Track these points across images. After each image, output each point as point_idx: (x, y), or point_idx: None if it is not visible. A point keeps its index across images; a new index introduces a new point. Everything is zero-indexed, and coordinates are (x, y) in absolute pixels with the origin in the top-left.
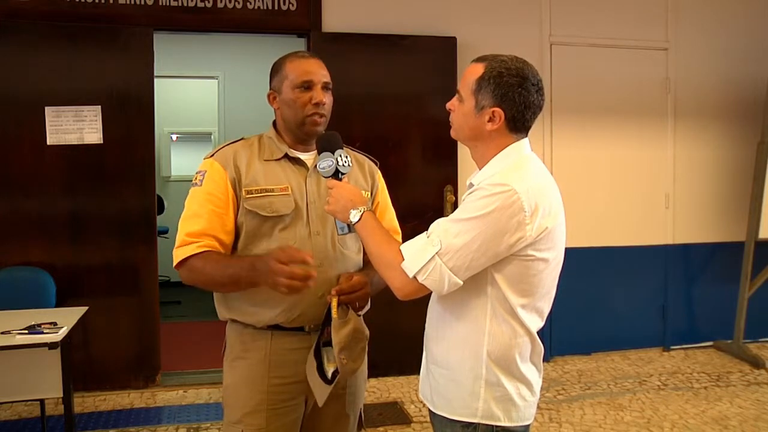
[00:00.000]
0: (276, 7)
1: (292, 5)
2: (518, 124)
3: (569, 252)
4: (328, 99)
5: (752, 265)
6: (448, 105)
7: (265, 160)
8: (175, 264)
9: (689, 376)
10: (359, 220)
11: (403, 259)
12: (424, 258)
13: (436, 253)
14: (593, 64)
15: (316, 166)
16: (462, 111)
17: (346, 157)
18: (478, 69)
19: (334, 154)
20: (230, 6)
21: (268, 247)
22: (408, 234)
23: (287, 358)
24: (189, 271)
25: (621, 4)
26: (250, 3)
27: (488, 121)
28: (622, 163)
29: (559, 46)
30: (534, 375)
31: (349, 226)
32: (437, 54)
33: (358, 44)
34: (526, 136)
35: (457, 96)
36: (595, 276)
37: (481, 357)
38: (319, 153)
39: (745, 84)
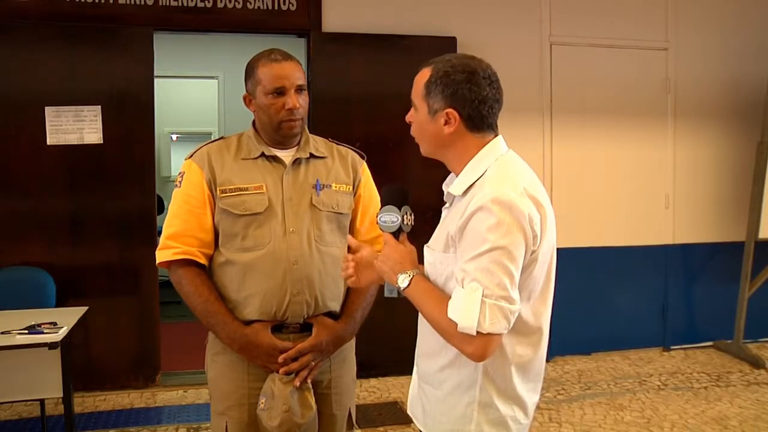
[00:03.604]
0: (276, 7)
1: (292, 5)
2: (477, 121)
3: (570, 252)
4: (303, 101)
5: (752, 265)
6: (407, 117)
7: (242, 159)
8: (156, 264)
9: (689, 376)
10: (408, 285)
11: (457, 324)
12: (475, 308)
13: (483, 295)
14: (593, 64)
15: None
16: (418, 120)
17: (411, 215)
18: (426, 73)
19: (400, 211)
20: (230, 6)
21: (242, 245)
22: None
23: None
24: (172, 279)
25: (621, 4)
26: (250, 3)
27: (445, 125)
28: (622, 163)
29: (559, 46)
30: (530, 395)
31: (398, 290)
32: (437, 54)
33: (358, 44)
34: (496, 133)
35: (413, 107)
36: (595, 276)
37: (477, 377)
38: (383, 204)
39: (745, 84)
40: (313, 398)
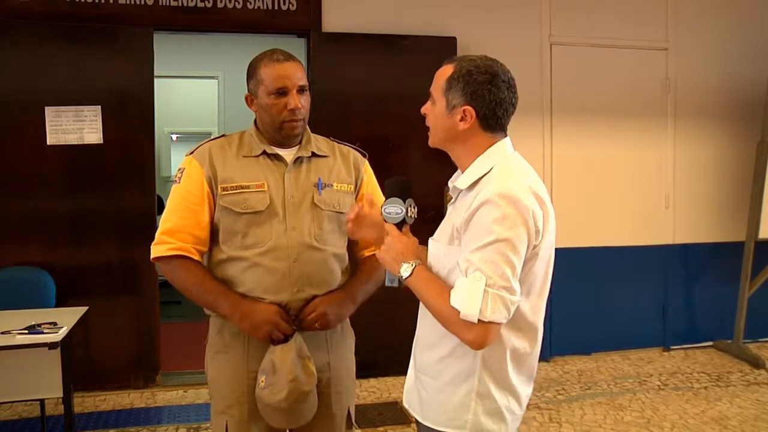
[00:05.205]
0: (276, 7)
1: (292, 5)
2: (491, 122)
3: (570, 252)
4: (304, 102)
5: (752, 265)
6: (423, 109)
7: (243, 156)
8: (151, 258)
9: (689, 376)
10: (410, 275)
11: (459, 311)
12: (478, 297)
13: (486, 285)
14: (593, 64)
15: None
16: (434, 113)
17: (415, 207)
18: (448, 69)
19: (405, 203)
20: (230, 6)
21: (243, 243)
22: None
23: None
24: (165, 271)
25: (621, 4)
26: (250, 3)
27: (460, 120)
28: (622, 163)
29: (559, 46)
30: (524, 388)
31: (399, 279)
32: (437, 54)
33: (358, 44)
34: (506, 135)
35: (430, 99)
36: (595, 276)
37: (476, 367)
38: (387, 197)
39: (745, 84)
40: (314, 366)
